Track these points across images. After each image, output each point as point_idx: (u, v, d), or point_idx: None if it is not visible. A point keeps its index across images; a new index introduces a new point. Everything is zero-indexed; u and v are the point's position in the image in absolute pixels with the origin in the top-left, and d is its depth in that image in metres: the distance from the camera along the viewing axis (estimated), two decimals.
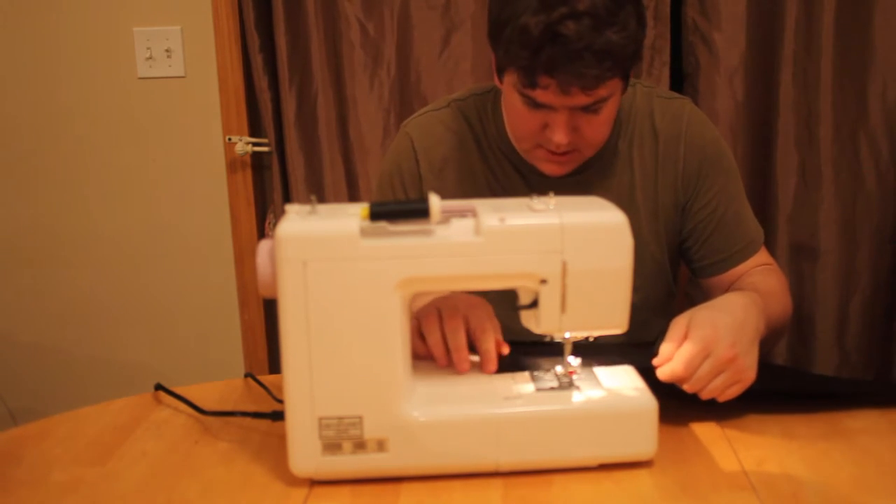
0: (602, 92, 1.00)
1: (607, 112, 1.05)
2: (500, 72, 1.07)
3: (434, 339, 0.91)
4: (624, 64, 1.00)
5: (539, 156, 1.11)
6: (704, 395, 0.86)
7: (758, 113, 1.82)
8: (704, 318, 0.87)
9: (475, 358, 0.91)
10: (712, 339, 0.85)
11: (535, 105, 1.03)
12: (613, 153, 1.17)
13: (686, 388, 0.86)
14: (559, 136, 1.04)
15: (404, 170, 1.22)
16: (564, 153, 1.08)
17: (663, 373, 0.86)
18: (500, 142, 1.18)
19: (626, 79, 1.05)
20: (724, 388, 0.86)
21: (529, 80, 0.99)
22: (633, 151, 1.18)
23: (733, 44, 1.77)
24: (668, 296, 1.25)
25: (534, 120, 1.06)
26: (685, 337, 0.86)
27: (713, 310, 0.89)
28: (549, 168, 1.12)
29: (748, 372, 0.87)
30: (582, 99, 1.00)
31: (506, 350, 0.92)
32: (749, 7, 1.76)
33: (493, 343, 0.90)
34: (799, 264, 1.85)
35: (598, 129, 1.07)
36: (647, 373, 0.87)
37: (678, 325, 0.88)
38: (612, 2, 0.96)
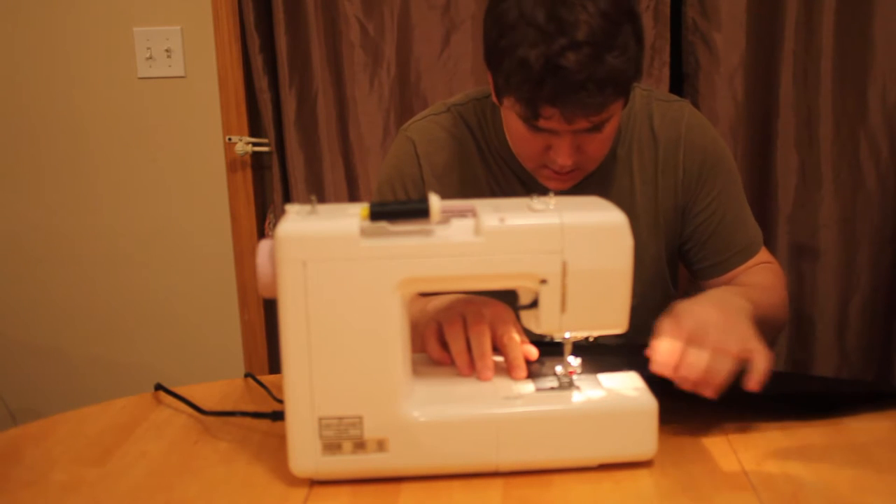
0: (605, 115, 1.00)
1: (610, 129, 1.05)
2: (500, 95, 1.05)
3: (459, 347, 0.90)
4: (626, 86, 1.00)
5: (544, 174, 1.11)
6: (712, 379, 0.83)
7: (758, 113, 1.82)
8: (684, 309, 0.87)
9: (499, 359, 0.91)
10: (694, 325, 0.84)
11: (537, 129, 1.02)
12: (613, 159, 1.17)
13: (682, 374, 0.84)
14: (563, 159, 1.04)
15: (406, 174, 1.21)
16: (569, 171, 1.08)
17: (654, 366, 0.85)
18: (502, 149, 1.18)
19: (628, 96, 1.04)
20: (724, 363, 0.83)
21: (532, 112, 0.98)
22: (632, 156, 1.17)
23: (733, 44, 1.77)
24: (666, 298, 1.25)
25: (537, 142, 1.05)
26: (671, 333, 0.86)
27: (691, 302, 0.90)
28: (554, 185, 1.12)
29: (747, 342, 0.85)
30: (585, 124, 1.00)
31: (534, 356, 0.91)
32: (749, 7, 1.76)
33: (520, 350, 0.89)
34: (799, 264, 1.85)
35: (601, 146, 1.07)
36: (663, 381, 0.86)
37: (663, 323, 0.87)
38: (609, 24, 0.95)
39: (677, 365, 0.84)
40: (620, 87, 0.98)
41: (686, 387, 0.85)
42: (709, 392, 0.85)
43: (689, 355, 0.84)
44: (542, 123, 1.00)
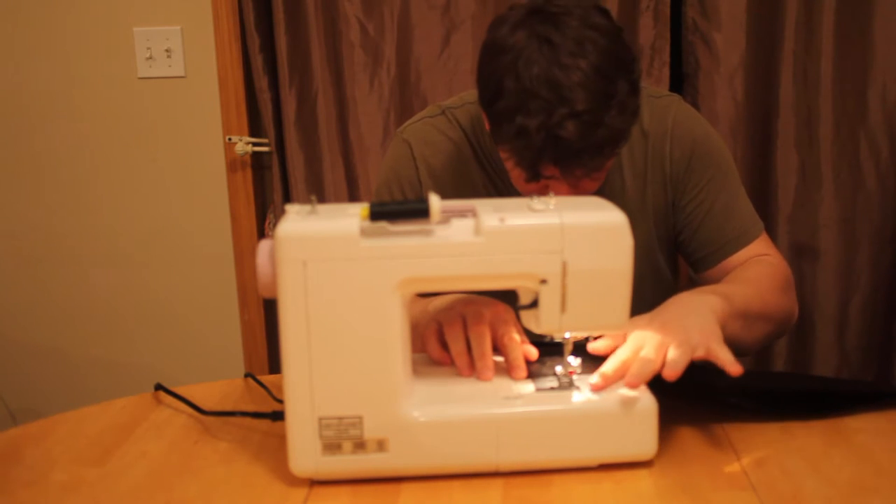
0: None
1: (607, 166, 1.05)
2: (496, 142, 1.04)
3: (459, 347, 0.90)
4: (625, 140, 1.00)
5: None
6: (666, 372, 0.83)
7: (758, 113, 1.82)
8: (638, 320, 0.89)
9: (498, 358, 0.90)
10: (640, 328, 0.87)
11: (536, 181, 1.02)
12: None
13: (633, 372, 0.83)
14: None
15: (403, 177, 1.21)
16: None
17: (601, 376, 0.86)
18: (495, 153, 1.17)
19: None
20: (675, 356, 0.83)
21: (532, 172, 0.98)
22: (622, 154, 1.17)
23: (733, 44, 1.77)
24: (665, 292, 1.25)
25: (534, 185, 1.04)
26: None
27: (652, 314, 0.92)
28: None
29: (691, 332, 0.86)
30: (584, 176, 1.00)
31: (534, 356, 0.91)
32: (749, 7, 1.76)
33: (520, 351, 0.89)
34: (799, 264, 1.85)
35: (598, 181, 1.07)
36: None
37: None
38: (605, 82, 0.94)
39: (626, 365, 0.84)
40: (620, 143, 0.99)
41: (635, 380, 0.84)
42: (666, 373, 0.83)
43: (643, 350, 0.85)
44: (541, 179, 1.00)
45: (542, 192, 1.05)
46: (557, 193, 1.03)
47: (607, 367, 0.85)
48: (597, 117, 0.94)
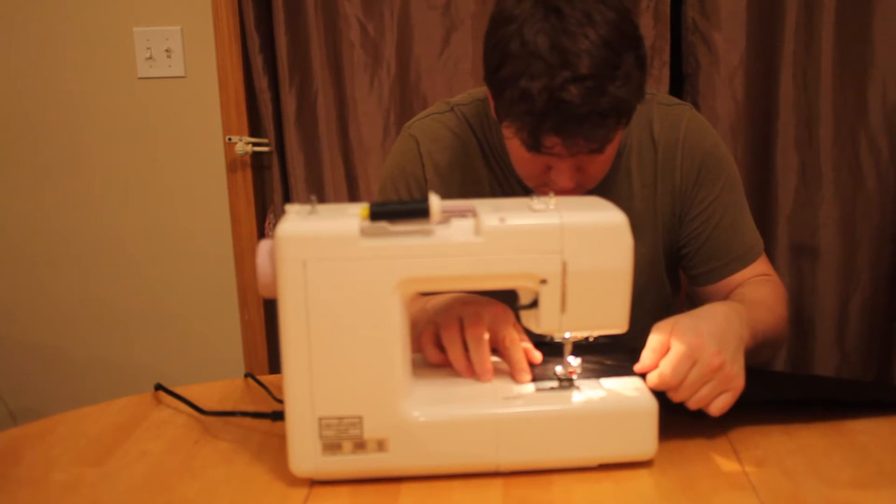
0: (607, 142, 1.00)
1: (611, 150, 1.04)
2: (500, 118, 1.03)
3: (456, 352, 0.89)
4: (629, 114, 0.98)
5: (544, 192, 1.09)
6: (693, 405, 0.85)
7: (758, 113, 1.82)
8: (687, 325, 0.86)
9: (496, 359, 0.90)
10: (697, 346, 0.83)
11: (538, 152, 1.00)
12: (612, 165, 1.16)
13: (673, 396, 0.84)
14: (564, 182, 1.02)
15: (409, 172, 1.20)
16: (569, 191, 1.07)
17: (651, 380, 0.84)
18: (503, 151, 1.16)
19: (630, 119, 1.02)
20: (712, 396, 0.85)
21: (534, 141, 0.97)
22: (631, 161, 1.17)
23: (733, 44, 1.77)
24: (665, 305, 1.24)
25: (537, 164, 1.03)
26: (668, 344, 0.85)
27: (696, 318, 0.88)
28: None
29: (737, 380, 0.85)
30: (586, 150, 0.99)
31: (538, 359, 0.90)
32: (749, 7, 1.76)
33: (522, 352, 0.89)
34: (799, 264, 1.85)
35: (602, 166, 1.06)
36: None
37: (660, 331, 0.86)
38: (612, 53, 0.93)
39: (676, 384, 0.84)
40: (623, 116, 0.97)
41: (676, 399, 0.85)
42: (692, 407, 0.85)
43: (689, 377, 0.83)
44: (543, 150, 0.99)
45: (545, 174, 1.05)
46: (561, 176, 1.02)
47: (666, 371, 0.84)
48: (600, 84, 0.92)
